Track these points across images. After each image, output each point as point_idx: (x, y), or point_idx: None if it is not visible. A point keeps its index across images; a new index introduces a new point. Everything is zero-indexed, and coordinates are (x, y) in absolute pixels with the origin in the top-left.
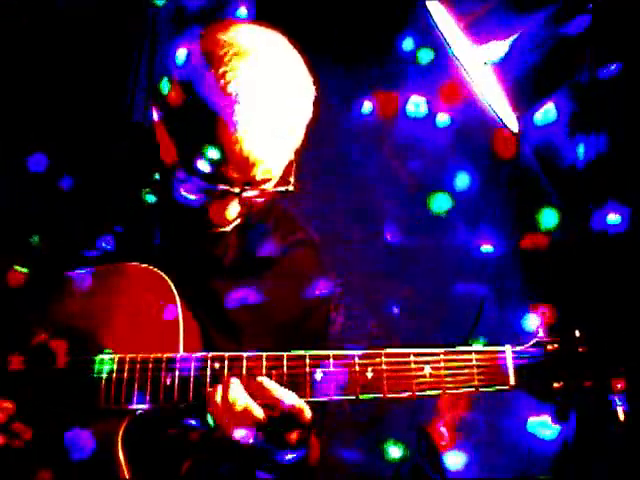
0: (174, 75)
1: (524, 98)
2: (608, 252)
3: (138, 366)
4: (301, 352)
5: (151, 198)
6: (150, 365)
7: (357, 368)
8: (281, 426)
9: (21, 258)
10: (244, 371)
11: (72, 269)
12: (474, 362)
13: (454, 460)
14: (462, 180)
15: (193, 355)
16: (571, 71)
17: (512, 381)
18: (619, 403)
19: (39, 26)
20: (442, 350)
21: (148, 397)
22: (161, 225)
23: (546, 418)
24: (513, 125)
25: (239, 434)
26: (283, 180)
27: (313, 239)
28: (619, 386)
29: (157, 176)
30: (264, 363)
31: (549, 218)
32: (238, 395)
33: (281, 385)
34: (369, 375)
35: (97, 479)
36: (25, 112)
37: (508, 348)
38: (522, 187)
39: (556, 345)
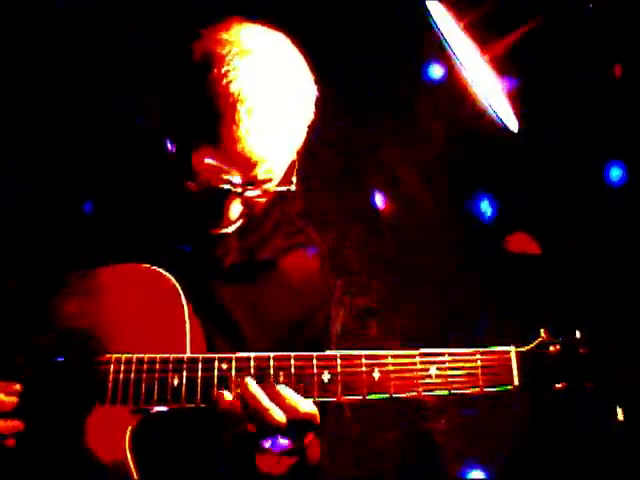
0: (176, 74)
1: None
2: (608, 254)
3: (145, 367)
4: (308, 353)
5: (154, 199)
6: (157, 365)
7: (364, 369)
8: (299, 430)
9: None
10: (252, 371)
11: (73, 270)
12: (479, 363)
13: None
14: None
15: (200, 356)
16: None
17: (516, 381)
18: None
19: (39, 26)
20: (447, 351)
21: (155, 398)
22: (163, 225)
23: None
24: (513, 125)
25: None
26: (285, 180)
27: (314, 241)
28: (619, 386)
29: (160, 176)
30: (272, 363)
31: None
32: (263, 400)
33: (288, 385)
34: (376, 376)
35: None
36: (25, 112)
37: (513, 349)
38: None
39: (558, 346)
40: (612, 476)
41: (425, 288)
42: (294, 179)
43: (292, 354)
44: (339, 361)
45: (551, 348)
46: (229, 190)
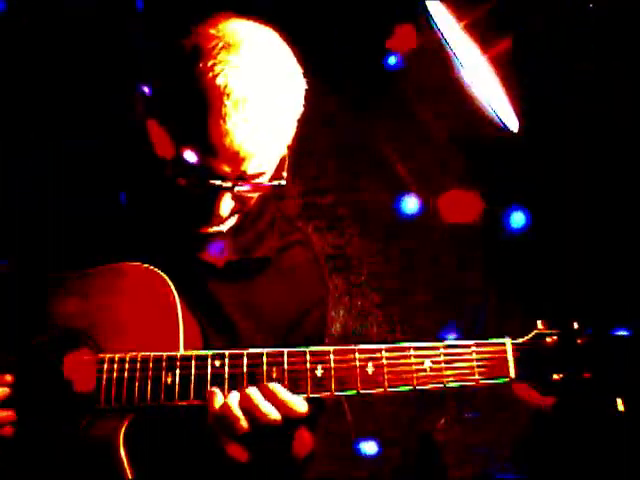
0: (164, 69)
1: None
2: (606, 245)
3: (139, 365)
4: (302, 348)
5: (146, 196)
6: (151, 364)
7: (358, 363)
8: (292, 427)
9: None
10: (245, 369)
11: (71, 269)
12: (474, 355)
13: None
14: None
15: (194, 353)
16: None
17: (512, 373)
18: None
19: (39, 26)
20: (442, 344)
21: (149, 396)
22: (155, 223)
23: None
24: (513, 125)
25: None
26: (276, 175)
27: (310, 239)
28: (618, 377)
29: (151, 173)
30: (265, 360)
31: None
32: (257, 398)
33: (282, 382)
34: (370, 370)
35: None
36: (24, 112)
37: (508, 341)
38: None
39: (555, 337)
40: (612, 469)
41: (425, 287)
42: (285, 174)
43: (285, 350)
44: (332, 356)
45: (548, 339)
46: (219, 185)
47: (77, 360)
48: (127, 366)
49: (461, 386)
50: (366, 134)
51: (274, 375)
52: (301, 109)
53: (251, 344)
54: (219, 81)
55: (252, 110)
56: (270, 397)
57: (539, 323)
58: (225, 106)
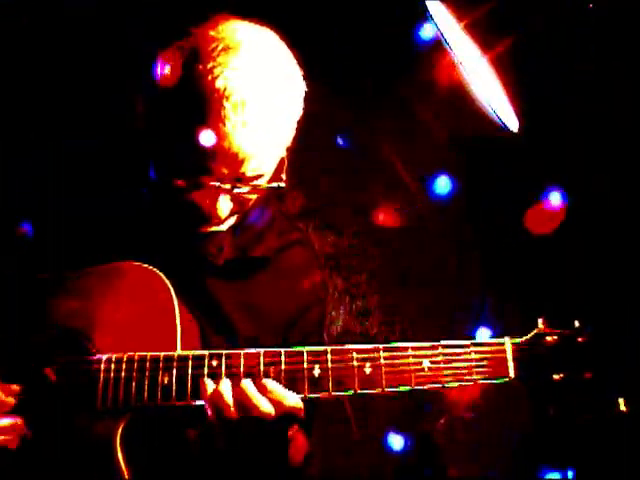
0: (163, 71)
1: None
2: (607, 244)
3: (135, 365)
4: (299, 348)
5: (145, 196)
6: (148, 364)
7: (355, 363)
8: (282, 422)
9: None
10: (242, 368)
11: (70, 269)
12: (473, 355)
13: None
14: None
15: (191, 353)
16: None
17: (512, 373)
18: (620, 394)
19: (39, 26)
20: (441, 344)
21: (146, 396)
22: (155, 223)
23: None
24: (512, 125)
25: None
26: (275, 177)
27: (309, 239)
28: (619, 377)
29: (150, 173)
30: (262, 360)
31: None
32: (250, 390)
33: (279, 381)
34: (367, 370)
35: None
36: (24, 112)
37: (507, 340)
38: None
39: (556, 337)
40: (613, 469)
41: (425, 287)
42: (284, 176)
43: (282, 350)
44: (330, 356)
45: (548, 338)
46: (218, 187)
47: (75, 360)
48: (124, 366)
49: (460, 386)
50: (366, 134)
51: (271, 375)
52: (300, 111)
53: (249, 343)
54: (218, 83)
55: (251, 112)
56: (263, 391)
57: (539, 322)
58: (224, 108)
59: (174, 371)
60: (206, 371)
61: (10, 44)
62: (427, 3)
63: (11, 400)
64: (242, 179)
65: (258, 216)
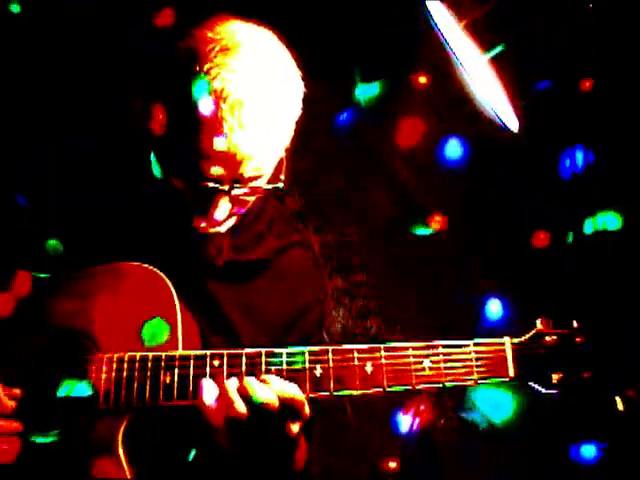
0: (161, 72)
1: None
2: (604, 244)
3: (137, 365)
4: (300, 348)
5: (145, 196)
6: (149, 364)
7: (356, 362)
8: (286, 415)
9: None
10: (244, 368)
11: (70, 269)
12: (473, 355)
13: None
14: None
15: (192, 353)
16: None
17: (511, 373)
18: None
19: (39, 26)
20: (441, 343)
21: (147, 396)
22: (155, 224)
23: None
24: (513, 125)
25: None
26: (274, 177)
27: (309, 240)
28: (618, 376)
29: (149, 175)
30: (263, 359)
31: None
32: (252, 382)
33: None
34: (368, 369)
35: None
36: (25, 111)
37: (507, 340)
38: None
39: (555, 337)
40: (613, 468)
41: (425, 287)
42: (282, 177)
43: (283, 350)
44: (331, 355)
45: (547, 338)
46: (216, 189)
47: (74, 361)
48: (126, 366)
49: (460, 386)
50: (367, 134)
51: (273, 374)
52: (299, 112)
53: (250, 344)
54: (215, 85)
55: (249, 114)
56: (266, 384)
57: (538, 322)
58: (222, 110)
59: (176, 371)
60: (208, 370)
61: (10, 44)
62: (427, 3)
63: (12, 403)
64: (240, 180)
65: (257, 217)
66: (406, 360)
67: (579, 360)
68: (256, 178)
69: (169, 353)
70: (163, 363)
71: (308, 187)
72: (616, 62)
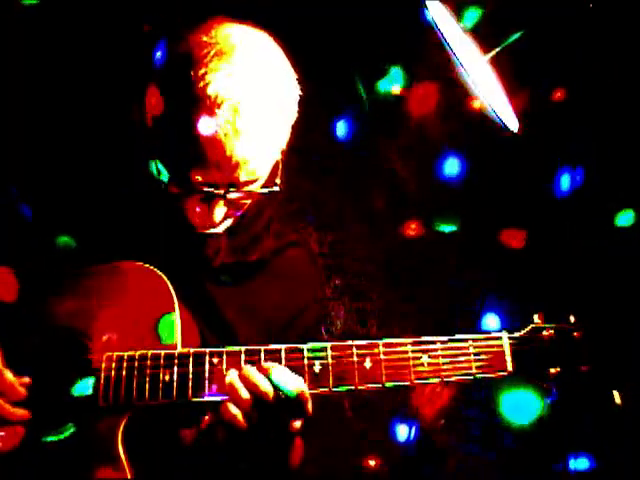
0: (156, 76)
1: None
2: (602, 241)
3: (136, 363)
4: (299, 345)
5: (144, 198)
6: (148, 362)
7: (355, 358)
8: (288, 410)
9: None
10: (243, 365)
11: (70, 268)
12: (471, 350)
13: None
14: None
15: (191, 351)
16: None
17: (510, 367)
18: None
19: (38, 27)
20: (439, 339)
21: (147, 394)
22: (154, 225)
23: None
24: (513, 125)
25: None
26: (269, 181)
27: (306, 240)
28: (615, 370)
29: (147, 177)
30: (262, 356)
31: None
32: (251, 371)
33: None
34: (367, 365)
35: (98, 478)
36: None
37: (505, 335)
38: None
39: (552, 331)
40: (610, 462)
41: (425, 287)
42: (278, 180)
43: (283, 346)
44: (330, 352)
45: (545, 333)
46: (211, 193)
47: (74, 360)
48: (125, 364)
49: (458, 380)
50: (368, 136)
51: None
52: (295, 115)
53: (248, 344)
54: (209, 90)
55: (244, 118)
56: (265, 372)
57: (536, 317)
58: (217, 115)
59: (175, 369)
60: (207, 368)
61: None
62: (427, 3)
63: (23, 391)
64: (236, 184)
65: (255, 218)
66: (405, 355)
67: (577, 354)
68: (252, 182)
69: (168, 351)
70: (162, 361)
71: (307, 187)
72: (616, 62)
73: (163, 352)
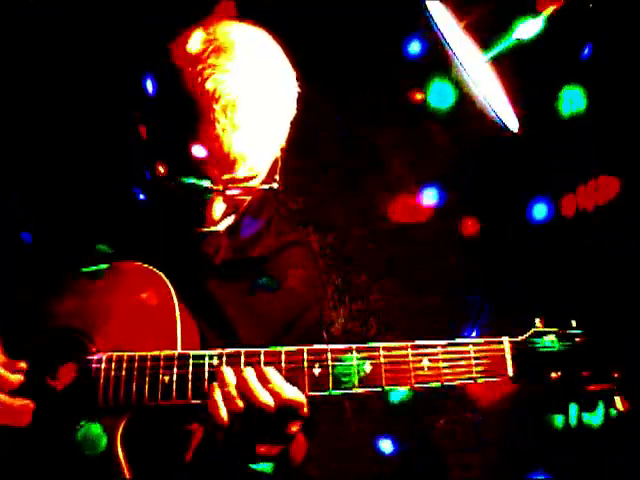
0: (154, 73)
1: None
2: (604, 244)
3: (136, 364)
4: (299, 347)
5: (141, 197)
6: (148, 363)
7: (355, 362)
8: (284, 415)
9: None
10: (242, 367)
11: (69, 268)
12: (472, 354)
13: None
14: None
15: (191, 352)
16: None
17: (510, 372)
18: (617, 392)
19: (38, 29)
20: (440, 342)
21: (146, 395)
22: (153, 224)
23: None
24: (513, 125)
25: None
26: (269, 178)
27: (307, 239)
28: (617, 375)
29: (146, 175)
30: (262, 359)
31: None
32: (250, 377)
33: None
34: (367, 369)
35: (97, 479)
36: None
37: (506, 339)
38: None
39: (553, 335)
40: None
41: (425, 287)
42: (277, 177)
43: (283, 349)
44: (330, 355)
45: (546, 337)
46: (210, 189)
47: (74, 361)
48: (125, 365)
49: (459, 384)
50: (368, 134)
51: None
52: (294, 112)
53: (249, 343)
54: (208, 86)
55: (241, 114)
56: (264, 380)
57: (537, 321)
58: (214, 111)
59: (175, 370)
60: (207, 369)
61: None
62: (427, 3)
63: (19, 378)
64: (234, 181)
65: (256, 216)
66: (405, 359)
67: (578, 359)
68: (250, 178)
69: (168, 352)
70: (162, 362)
71: (307, 187)
72: (616, 62)
73: (163, 353)
